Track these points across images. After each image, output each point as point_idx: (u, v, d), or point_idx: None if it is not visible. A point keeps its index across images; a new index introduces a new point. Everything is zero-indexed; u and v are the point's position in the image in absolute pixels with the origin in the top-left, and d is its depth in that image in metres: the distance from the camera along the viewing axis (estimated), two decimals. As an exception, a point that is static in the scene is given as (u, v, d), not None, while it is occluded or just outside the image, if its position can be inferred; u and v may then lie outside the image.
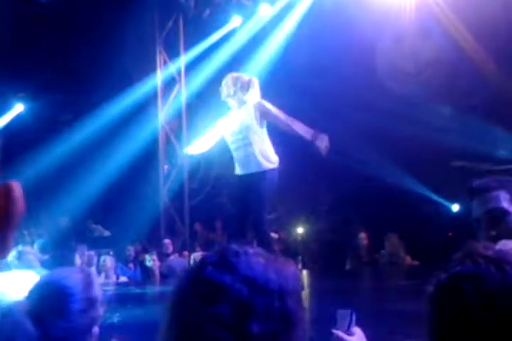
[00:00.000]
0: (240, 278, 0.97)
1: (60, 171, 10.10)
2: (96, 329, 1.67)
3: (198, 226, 10.62)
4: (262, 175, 4.88)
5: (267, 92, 5.23)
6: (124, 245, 9.32)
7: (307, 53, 10.02)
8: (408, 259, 9.15)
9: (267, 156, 4.95)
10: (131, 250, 9.18)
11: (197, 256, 7.60)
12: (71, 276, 1.70)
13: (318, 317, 4.33)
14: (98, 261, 8.00)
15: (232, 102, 5.14)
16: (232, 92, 5.08)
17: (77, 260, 7.85)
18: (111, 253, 8.53)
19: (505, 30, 8.93)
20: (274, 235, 5.24)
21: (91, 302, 1.64)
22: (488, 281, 0.92)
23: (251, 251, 1.03)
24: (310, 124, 5.22)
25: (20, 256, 5.86)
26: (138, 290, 7.11)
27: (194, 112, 10.48)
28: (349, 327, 1.73)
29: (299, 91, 10.25)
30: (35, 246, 7.91)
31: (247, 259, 1.01)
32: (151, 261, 8.34)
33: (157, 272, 8.26)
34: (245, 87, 5.07)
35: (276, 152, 5.14)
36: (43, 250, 7.89)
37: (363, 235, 9.68)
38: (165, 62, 10.59)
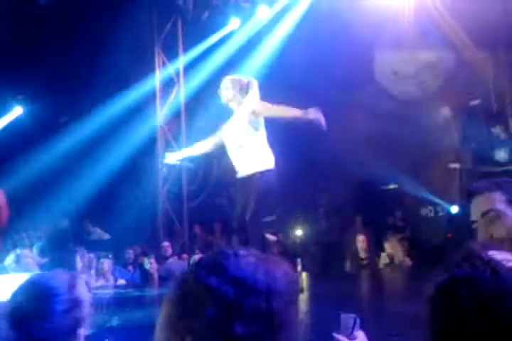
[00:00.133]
0: (228, 280, 0.98)
1: (58, 173, 10.10)
2: (82, 331, 1.66)
3: (197, 229, 10.61)
4: (258, 177, 4.88)
5: (263, 94, 5.23)
6: (123, 248, 9.32)
7: (305, 55, 10.03)
8: (407, 261, 9.16)
9: (262, 158, 4.95)
10: (130, 253, 9.18)
11: (196, 258, 7.60)
12: (55, 277, 1.70)
13: (317, 319, 4.33)
14: (97, 263, 8.00)
15: (233, 105, 5.15)
16: (231, 96, 5.09)
17: (79, 262, 7.86)
18: (110, 256, 8.52)
19: (504, 33, 8.95)
20: (272, 237, 5.23)
21: (75, 303, 1.64)
22: (483, 285, 0.92)
23: (242, 252, 1.04)
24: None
25: (18, 259, 5.87)
26: (136, 293, 7.10)
27: (193, 113, 10.48)
28: (352, 331, 1.72)
29: (296, 94, 10.25)
30: (34, 249, 7.91)
31: (237, 261, 1.02)
32: (149, 264, 8.33)
33: (156, 275, 8.25)
34: (244, 89, 5.08)
35: (275, 153, 5.13)
36: (41, 253, 7.90)
37: (361, 237, 9.68)
38: (163, 64, 10.60)
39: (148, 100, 10.56)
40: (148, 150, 10.41)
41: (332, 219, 10.62)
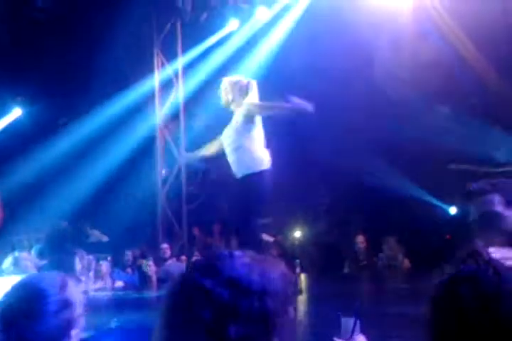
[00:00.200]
0: (222, 281, 0.98)
1: (56, 174, 10.09)
2: (75, 332, 1.65)
3: (196, 231, 10.60)
4: (252, 177, 4.89)
5: (261, 95, 5.23)
6: (122, 250, 9.31)
7: (303, 56, 10.03)
8: (406, 262, 9.14)
9: (256, 158, 4.94)
10: (128, 255, 9.17)
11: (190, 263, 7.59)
12: (45, 279, 1.70)
13: (316, 321, 4.32)
14: (96, 265, 7.99)
15: (233, 106, 5.14)
16: (230, 98, 5.09)
17: (78, 264, 7.84)
18: (108, 258, 8.51)
19: (504, 34, 8.95)
20: (269, 238, 5.23)
21: (66, 304, 1.63)
22: (485, 285, 0.92)
23: (237, 253, 1.04)
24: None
25: (16, 262, 5.85)
26: (135, 295, 7.09)
27: (191, 114, 10.48)
28: (352, 334, 1.71)
29: (294, 95, 10.25)
30: (33, 251, 7.89)
31: (232, 262, 1.02)
32: (147, 266, 8.32)
33: (154, 277, 8.24)
34: (244, 91, 5.07)
35: (274, 154, 5.12)
36: (40, 255, 7.88)
37: (360, 238, 9.67)
38: (162, 66, 10.61)
39: (147, 101, 10.56)
40: (147, 151, 10.41)
41: (331, 220, 10.62)
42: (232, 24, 10.27)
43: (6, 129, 10.92)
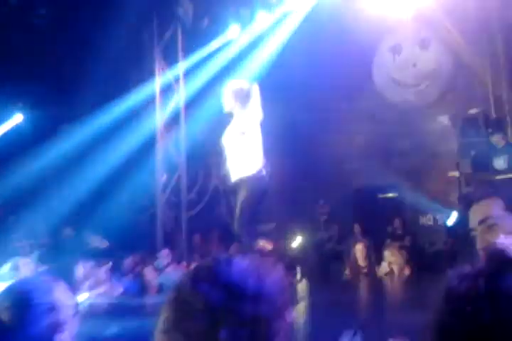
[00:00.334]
0: (218, 286, 0.99)
1: (56, 180, 10.10)
2: (64, 336, 1.64)
3: (196, 239, 10.57)
4: (243, 182, 4.91)
5: (262, 101, 5.24)
6: (122, 256, 9.28)
7: (304, 62, 10.05)
8: (406, 270, 9.11)
9: (251, 162, 4.96)
10: (128, 261, 9.14)
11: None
12: (32, 283, 1.72)
13: (316, 328, 4.30)
14: (95, 272, 7.96)
15: (235, 112, 5.15)
16: (232, 106, 5.10)
17: (80, 270, 7.83)
18: (108, 264, 8.48)
19: (504, 41, 8.96)
20: (268, 245, 5.21)
21: (52, 307, 1.63)
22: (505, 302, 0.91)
23: (234, 259, 1.04)
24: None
25: (15, 267, 5.83)
26: (134, 302, 7.07)
27: (192, 120, 10.48)
28: None
29: (295, 101, 10.28)
30: (33, 257, 7.88)
31: (229, 267, 1.03)
32: (147, 273, 8.30)
33: (154, 283, 8.22)
34: (246, 97, 5.09)
35: (275, 161, 5.14)
36: (40, 261, 7.87)
37: (360, 246, 9.65)
38: (163, 71, 10.63)
39: (148, 107, 10.58)
40: (147, 157, 10.41)
41: (331, 227, 10.60)
42: (232, 30, 10.30)
43: (6, 134, 10.96)
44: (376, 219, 10.08)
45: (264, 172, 4.96)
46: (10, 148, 10.40)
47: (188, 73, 10.52)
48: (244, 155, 4.96)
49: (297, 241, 11.03)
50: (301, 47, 9.90)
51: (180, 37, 10.55)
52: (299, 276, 8.89)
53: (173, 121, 10.60)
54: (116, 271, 8.78)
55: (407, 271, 9.08)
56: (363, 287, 9.09)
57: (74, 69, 9.84)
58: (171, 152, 10.51)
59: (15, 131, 11.00)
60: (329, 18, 9.42)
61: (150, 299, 7.53)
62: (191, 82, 10.44)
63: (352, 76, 10.01)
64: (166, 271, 8.63)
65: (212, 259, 1.07)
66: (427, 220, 10.16)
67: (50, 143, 10.27)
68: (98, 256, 8.62)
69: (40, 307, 1.60)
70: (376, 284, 8.86)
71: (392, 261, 9.24)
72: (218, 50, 10.39)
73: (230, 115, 5.20)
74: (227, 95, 5.14)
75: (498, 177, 7.55)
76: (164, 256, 9.12)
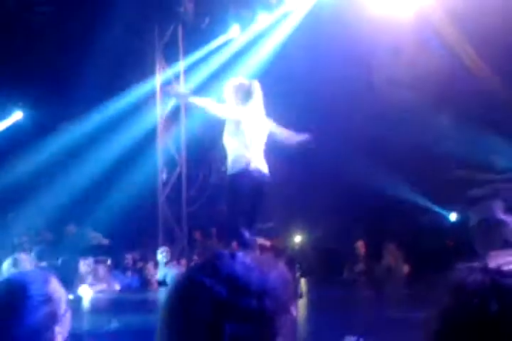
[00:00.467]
0: (221, 280, 0.99)
1: (56, 178, 10.11)
2: (59, 329, 1.67)
3: (197, 235, 10.60)
4: (230, 177, 4.96)
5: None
6: (122, 253, 9.31)
7: (303, 62, 10.06)
8: (406, 268, 9.14)
9: (230, 161, 5.01)
10: (128, 258, 9.17)
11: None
12: (28, 275, 1.74)
13: (315, 325, 4.33)
14: (96, 268, 7.99)
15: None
16: (235, 102, 5.10)
17: (82, 267, 7.86)
18: (109, 261, 8.51)
19: (504, 41, 8.96)
20: (265, 243, 5.23)
21: (48, 298, 1.66)
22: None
23: (237, 253, 1.05)
24: (308, 134, 5.28)
25: (15, 263, 5.85)
26: (134, 298, 7.09)
27: (192, 117, 10.49)
28: None
29: (294, 100, 10.29)
30: (32, 253, 7.90)
31: (232, 262, 1.03)
32: (147, 269, 8.32)
33: (154, 280, 8.24)
34: (248, 93, 5.09)
35: (275, 160, 5.16)
36: (39, 257, 7.89)
37: (360, 244, 9.67)
38: (163, 69, 10.65)
39: (148, 104, 10.58)
40: (147, 153, 10.42)
41: (331, 225, 10.62)
42: (233, 30, 10.31)
43: (7, 131, 10.98)
44: (376, 217, 10.10)
45: (266, 170, 4.98)
46: (10, 144, 10.42)
47: (188, 70, 10.54)
48: (228, 154, 4.99)
49: (297, 239, 11.06)
50: (300, 47, 9.91)
51: (180, 36, 10.56)
52: (298, 274, 8.92)
53: (173, 117, 10.61)
54: (116, 267, 8.81)
55: (406, 269, 9.11)
56: (362, 285, 9.12)
57: (74, 68, 9.84)
58: (170, 148, 10.52)
59: (15, 128, 11.03)
60: (330, 17, 9.42)
61: (151, 295, 7.56)
62: (191, 79, 10.45)
63: (352, 75, 10.01)
64: (167, 267, 8.65)
65: (215, 254, 1.07)
66: (426, 219, 10.19)
67: (50, 140, 10.29)
68: (99, 253, 8.65)
69: (37, 298, 1.62)
70: (375, 282, 8.90)
71: (391, 260, 9.27)
72: (219, 48, 10.41)
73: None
74: (228, 91, 5.14)
75: (499, 176, 7.57)
76: (164, 252, 9.14)
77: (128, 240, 10.04)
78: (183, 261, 9.13)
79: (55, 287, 1.69)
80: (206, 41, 10.42)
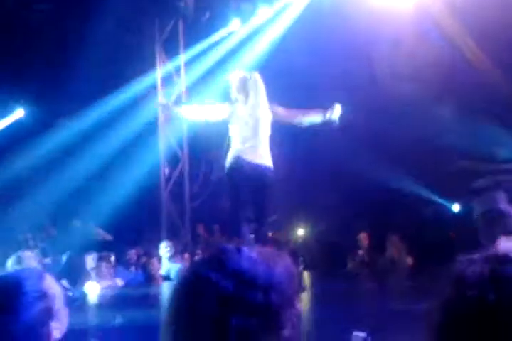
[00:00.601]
0: (227, 274, 1.00)
1: (58, 174, 10.14)
2: (55, 325, 1.68)
3: (200, 230, 10.62)
4: (267, 170, 4.99)
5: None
6: (126, 248, 9.33)
7: (303, 54, 10.03)
8: (409, 260, 9.15)
9: (228, 156, 5.03)
10: (132, 253, 9.19)
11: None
12: (23, 272, 1.78)
13: (319, 318, 4.34)
14: (99, 264, 8.01)
15: (242, 101, 5.18)
16: (242, 94, 5.12)
17: (88, 263, 7.89)
18: (112, 256, 8.53)
19: (504, 33, 8.93)
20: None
21: (43, 294, 1.67)
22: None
23: (243, 248, 1.05)
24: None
25: (19, 260, 5.87)
26: (138, 293, 7.11)
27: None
28: None
29: (294, 92, 10.26)
30: (37, 250, 7.92)
31: (238, 256, 1.04)
32: (151, 264, 8.34)
33: (158, 275, 8.26)
34: (254, 85, 5.13)
35: (277, 153, 5.17)
36: (44, 254, 7.92)
37: (363, 236, 9.67)
38: (164, 64, 10.64)
39: (149, 98, 10.58)
40: (149, 147, 10.43)
41: (334, 218, 10.63)
42: (233, 24, 10.29)
43: (8, 127, 11.02)
44: (379, 210, 10.10)
45: (271, 163, 4.99)
46: (10, 141, 10.44)
47: (189, 64, 10.54)
48: (267, 148, 5.01)
49: (299, 232, 11.06)
50: (300, 39, 9.88)
51: (181, 30, 10.55)
52: (301, 267, 8.93)
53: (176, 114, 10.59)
54: (120, 262, 8.83)
55: (409, 261, 9.11)
56: (366, 277, 9.13)
57: (74, 64, 9.83)
58: (172, 144, 10.52)
59: (16, 125, 11.05)
60: (329, 9, 9.39)
61: (155, 290, 7.58)
62: (192, 73, 10.45)
63: (352, 68, 9.99)
64: (171, 262, 8.67)
65: (220, 249, 1.07)
66: (430, 210, 10.19)
67: (51, 135, 10.31)
68: (102, 249, 8.67)
69: (32, 295, 1.64)
70: (378, 274, 8.91)
71: (394, 252, 9.27)
72: (219, 42, 10.41)
73: (236, 103, 5.21)
74: (234, 83, 5.16)
75: (502, 167, 7.56)
76: (168, 246, 9.16)
77: (131, 235, 10.06)
78: (187, 256, 9.15)
79: (50, 283, 1.71)
80: (206, 35, 10.41)
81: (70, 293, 6.19)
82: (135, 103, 10.39)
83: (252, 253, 1.05)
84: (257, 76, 5.21)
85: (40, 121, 10.76)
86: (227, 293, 0.98)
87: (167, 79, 10.61)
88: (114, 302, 6.38)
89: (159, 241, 9.58)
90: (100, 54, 9.61)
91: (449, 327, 0.95)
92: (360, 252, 9.64)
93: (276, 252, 1.11)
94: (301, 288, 5.20)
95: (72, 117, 10.54)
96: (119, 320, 4.35)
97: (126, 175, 10.01)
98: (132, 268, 8.90)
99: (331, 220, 10.70)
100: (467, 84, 9.54)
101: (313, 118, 5.13)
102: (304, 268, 8.95)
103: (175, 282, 1.08)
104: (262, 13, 10.05)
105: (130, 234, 10.10)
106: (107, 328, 4.21)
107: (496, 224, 2.67)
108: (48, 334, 1.65)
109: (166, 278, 8.02)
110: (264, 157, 4.99)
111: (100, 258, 8.13)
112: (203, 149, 10.57)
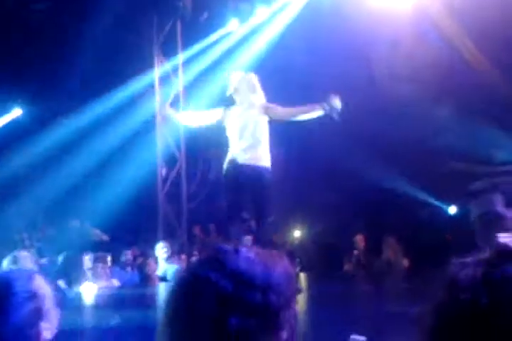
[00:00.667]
0: (226, 274, 1.00)
1: (55, 173, 10.13)
2: (46, 325, 1.68)
3: (196, 230, 10.61)
4: (264, 170, 5.01)
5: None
6: (122, 249, 9.32)
7: (302, 55, 10.04)
8: (405, 262, 9.16)
9: (268, 155, 5.03)
10: (128, 254, 9.18)
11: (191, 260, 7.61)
12: (12, 273, 1.79)
13: (316, 320, 4.34)
14: (96, 264, 8.01)
15: (239, 100, 5.17)
16: (241, 93, 5.13)
17: (86, 262, 7.89)
18: (108, 257, 8.52)
19: (503, 33, 8.94)
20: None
21: (32, 295, 1.67)
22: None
23: (241, 249, 1.06)
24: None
25: (15, 260, 5.85)
26: (134, 294, 7.11)
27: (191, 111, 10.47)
28: None
29: (292, 93, 10.26)
30: (33, 250, 7.91)
31: (236, 256, 1.04)
32: (147, 265, 8.33)
33: (154, 276, 8.25)
34: (252, 86, 5.14)
35: (274, 154, 5.17)
36: (40, 254, 7.90)
37: (360, 238, 9.68)
38: (162, 64, 10.64)
39: (146, 98, 10.57)
40: (147, 147, 10.43)
41: (330, 219, 10.64)
42: (232, 24, 10.30)
43: (5, 127, 11.02)
44: (375, 211, 10.11)
45: (269, 164, 4.99)
46: (7, 139, 10.44)
47: (187, 64, 10.54)
48: (266, 148, 5.01)
49: (296, 234, 11.05)
50: (298, 39, 9.89)
51: (179, 30, 10.55)
52: (298, 269, 8.93)
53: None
54: (117, 263, 8.82)
55: (405, 263, 9.13)
56: (362, 278, 9.14)
57: (72, 63, 9.83)
58: (170, 143, 10.51)
59: (13, 124, 11.05)
60: (328, 9, 9.40)
61: (152, 290, 7.57)
62: (190, 72, 10.46)
63: (351, 68, 9.99)
64: (167, 263, 8.66)
65: (218, 249, 1.07)
66: (426, 212, 10.21)
67: (47, 134, 10.31)
68: (99, 249, 8.66)
69: (21, 295, 1.63)
70: (374, 276, 8.92)
71: (390, 254, 9.28)
72: (217, 41, 10.41)
73: (234, 101, 5.21)
74: (235, 83, 5.17)
75: (499, 170, 7.56)
76: (164, 248, 9.15)
77: (128, 236, 10.05)
78: (183, 257, 9.14)
79: (40, 283, 1.71)
80: (204, 35, 10.42)
81: (67, 294, 6.19)
82: (133, 102, 10.39)
83: (250, 254, 1.05)
84: (253, 77, 5.23)
85: (37, 119, 10.77)
86: (226, 293, 0.98)
87: (165, 79, 10.61)
88: (111, 302, 6.37)
89: (156, 241, 9.58)
90: (98, 53, 9.60)
91: (441, 331, 0.95)
92: (356, 252, 9.65)
93: (275, 253, 1.11)
94: (297, 290, 5.19)
95: (68, 115, 10.54)
96: (115, 320, 4.34)
97: (124, 174, 10.01)
98: (128, 269, 8.89)
99: (327, 221, 10.70)
100: (465, 85, 9.55)
101: (311, 112, 5.12)
102: (301, 270, 8.95)
103: (172, 282, 1.08)
104: (260, 13, 10.07)
105: (127, 234, 10.09)
106: (104, 328, 4.20)
107: (493, 226, 2.67)
108: (38, 335, 1.65)
109: (163, 278, 8.01)
110: (262, 158, 4.99)
111: (97, 259, 8.13)
112: (201, 147, 10.57)
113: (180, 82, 10.51)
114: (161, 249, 8.29)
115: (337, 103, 4.95)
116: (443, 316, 0.95)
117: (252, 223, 5.01)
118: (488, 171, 7.71)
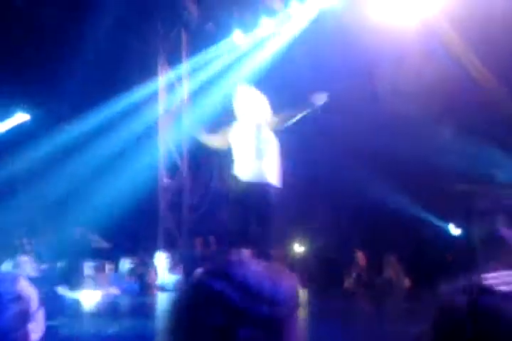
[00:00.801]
0: (234, 287, 1.01)
1: (56, 179, 10.14)
2: (33, 326, 1.68)
3: (198, 243, 10.57)
4: (268, 186, 4.99)
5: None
6: (122, 257, 9.30)
7: (306, 71, 10.06)
8: (407, 281, 9.10)
9: (275, 171, 5.04)
10: (128, 262, 9.16)
11: (196, 271, 7.55)
12: None
13: (315, 336, 4.32)
14: (96, 272, 8.00)
15: (244, 115, 5.19)
16: (247, 108, 5.15)
17: (86, 269, 7.87)
18: (109, 265, 8.51)
19: (511, 51, 8.95)
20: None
21: (17, 297, 1.67)
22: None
23: (248, 261, 1.07)
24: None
25: (16, 265, 5.86)
26: (134, 302, 7.08)
27: (193, 121, 10.49)
28: None
29: (294, 105, 10.26)
30: (33, 255, 7.91)
31: (243, 269, 1.05)
32: (147, 274, 8.31)
33: (154, 285, 8.24)
34: (257, 100, 5.16)
35: (283, 167, 5.20)
36: (40, 259, 7.89)
37: (360, 255, 9.65)
38: (166, 73, 10.70)
39: (149, 107, 10.62)
40: (149, 157, 10.44)
41: (331, 235, 10.61)
42: (236, 35, 10.35)
43: (8, 131, 11.07)
44: (377, 229, 10.08)
45: (275, 180, 4.99)
46: (9, 144, 10.47)
47: (191, 74, 10.59)
48: (273, 163, 5.01)
49: (297, 249, 11.02)
50: (303, 56, 9.92)
51: (184, 39, 10.62)
52: (298, 284, 8.88)
53: (175, 120, 10.63)
54: (116, 271, 8.80)
55: (407, 283, 9.07)
56: (363, 296, 9.09)
57: (76, 70, 9.89)
58: (172, 151, 10.53)
59: (17, 129, 11.09)
60: (333, 25, 9.44)
61: (151, 299, 7.55)
62: (194, 82, 10.51)
63: (355, 86, 10.01)
64: (170, 273, 8.66)
65: (225, 261, 1.08)
66: (428, 232, 10.17)
67: (49, 140, 10.34)
68: (99, 256, 8.65)
69: (6, 297, 1.63)
70: (375, 295, 8.87)
71: (391, 272, 9.24)
72: (221, 52, 10.46)
73: (233, 117, 5.24)
74: (242, 97, 5.19)
75: (502, 190, 7.56)
76: (167, 258, 9.14)
77: (128, 243, 10.03)
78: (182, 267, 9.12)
79: (24, 285, 1.70)
80: (209, 45, 10.47)
81: (66, 300, 6.17)
82: (136, 109, 10.42)
83: (257, 268, 1.07)
84: (257, 92, 5.24)
85: (40, 125, 10.79)
86: (233, 304, 0.99)
87: (169, 87, 10.67)
88: (110, 310, 6.35)
89: (155, 250, 9.56)
90: (103, 61, 9.66)
91: None
92: (356, 269, 9.61)
93: (280, 268, 1.12)
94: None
95: (71, 121, 10.58)
96: (114, 328, 4.33)
97: (125, 181, 10.02)
98: (128, 277, 8.87)
99: (328, 237, 10.67)
100: (470, 103, 9.57)
101: (298, 114, 5.17)
102: (301, 285, 8.90)
103: (175, 292, 1.09)
104: (265, 25, 10.10)
105: (126, 241, 10.06)
106: (102, 336, 4.19)
107: (495, 247, 2.67)
108: (26, 337, 1.65)
109: (162, 288, 7.99)
110: (267, 173, 4.98)
111: (97, 266, 8.12)
112: (204, 155, 10.59)
113: (184, 91, 10.56)
114: (161, 259, 8.29)
115: (320, 99, 5.02)
116: (439, 336, 0.97)
117: (252, 237, 5.00)
118: (491, 191, 7.71)
